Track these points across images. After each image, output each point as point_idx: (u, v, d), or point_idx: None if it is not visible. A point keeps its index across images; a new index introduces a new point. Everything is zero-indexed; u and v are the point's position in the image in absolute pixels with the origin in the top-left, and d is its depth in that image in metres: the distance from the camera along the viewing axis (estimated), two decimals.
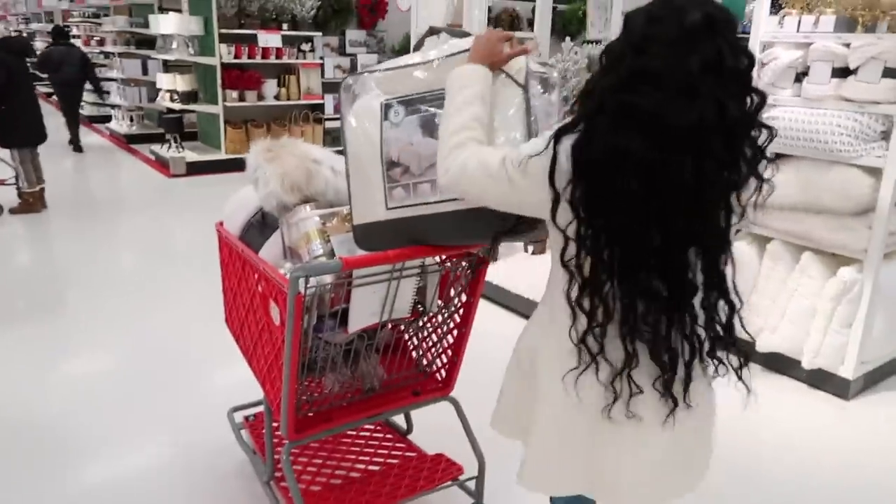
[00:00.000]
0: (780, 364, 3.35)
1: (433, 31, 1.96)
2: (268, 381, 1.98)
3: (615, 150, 1.14)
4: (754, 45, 3.29)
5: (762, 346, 3.36)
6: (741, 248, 3.42)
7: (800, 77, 3.17)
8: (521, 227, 1.49)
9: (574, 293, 1.26)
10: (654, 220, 1.15)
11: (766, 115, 2.96)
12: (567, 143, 1.21)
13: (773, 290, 3.36)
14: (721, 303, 1.26)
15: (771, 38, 3.23)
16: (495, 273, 3.99)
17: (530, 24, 9.99)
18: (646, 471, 1.36)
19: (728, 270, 1.25)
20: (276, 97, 7.96)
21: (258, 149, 2.05)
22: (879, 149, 2.95)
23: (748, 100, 1.18)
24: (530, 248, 4.36)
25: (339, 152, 1.86)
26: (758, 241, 3.45)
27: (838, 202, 3.05)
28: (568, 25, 8.18)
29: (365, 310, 1.85)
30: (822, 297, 3.14)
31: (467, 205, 1.50)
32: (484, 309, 2.25)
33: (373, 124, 1.66)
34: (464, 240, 1.72)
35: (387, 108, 1.64)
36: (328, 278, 1.73)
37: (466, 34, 1.68)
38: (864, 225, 3.02)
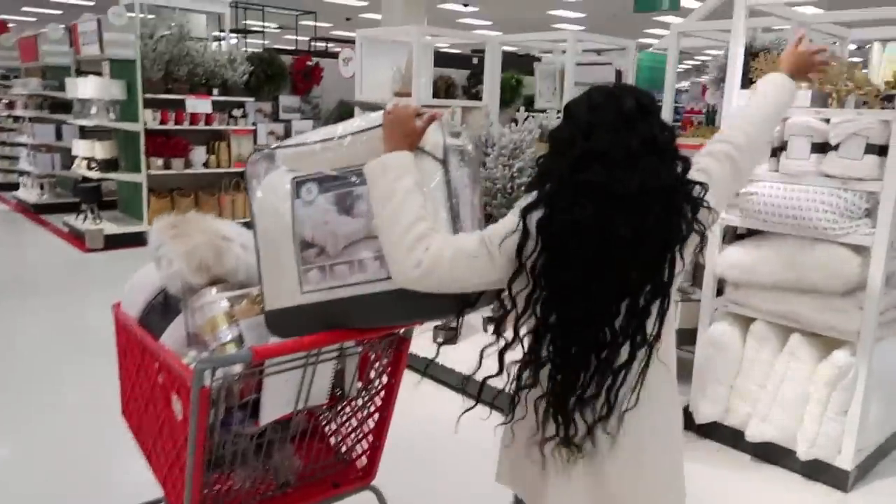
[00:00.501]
0: (773, 454, 3.12)
1: (343, 105, 1.99)
2: (168, 481, 1.80)
3: (574, 223, 1.30)
4: (725, 119, 3.18)
5: (753, 435, 3.13)
6: (722, 330, 3.22)
7: (776, 152, 3.07)
8: (480, 301, 1.52)
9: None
10: (603, 276, 1.31)
11: (744, 191, 2.80)
12: (534, 218, 1.36)
13: (760, 374, 3.16)
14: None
15: None
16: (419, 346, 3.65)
17: (465, 91, 10.05)
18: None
19: (670, 317, 1.42)
20: (205, 164, 7.51)
21: (162, 225, 1.93)
22: (865, 226, 2.84)
23: (677, 166, 1.36)
24: (440, 339, 4.10)
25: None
26: (740, 322, 3.26)
27: (826, 281, 2.90)
28: (502, 94, 8.21)
29: (278, 399, 1.74)
30: (815, 383, 2.96)
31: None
32: (408, 382, 2.09)
33: (284, 202, 1.60)
34: (395, 321, 1.70)
35: (299, 185, 1.60)
36: (237, 368, 1.62)
37: (377, 107, 1.70)
38: (854, 305, 2.88)
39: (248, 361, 1.57)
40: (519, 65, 10.65)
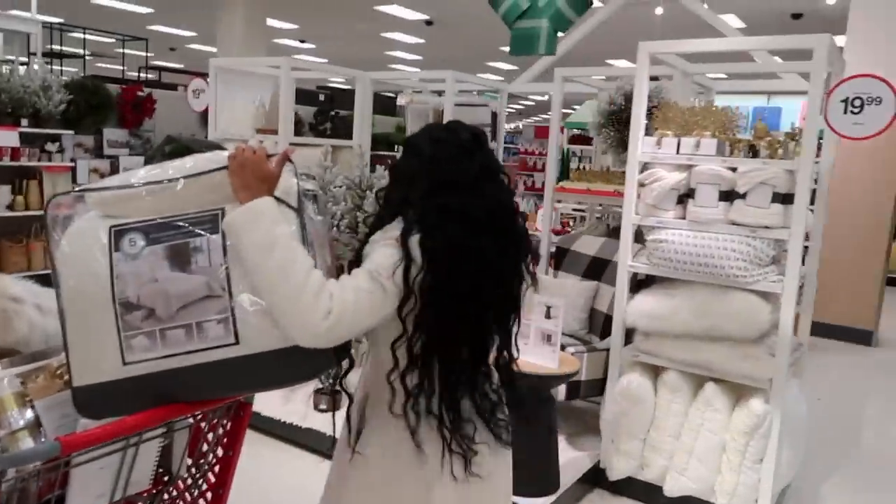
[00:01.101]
0: None
1: (171, 141, 1.81)
2: None
3: (449, 240, 1.40)
4: (633, 166, 3.13)
5: (671, 489, 3.03)
6: (636, 382, 3.12)
7: (682, 199, 3.06)
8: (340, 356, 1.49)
9: (397, 374, 1.44)
10: (483, 289, 1.44)
11: (653, 238, 2.72)
12: (414, 240, 1.40)
13: (674, 425, 3.08)
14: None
15: (650, 159, 3.10)
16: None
17: (312, 128, 9.62)
18: None
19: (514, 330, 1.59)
20: (10, 206, 6.34)
21: None
22: (772, 273, 2.88)
23: (507, 188, 1.52)
24: (322, 405, 3.71)
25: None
26: (650, 372, 3.18)
27: (741, 329, 2.90)
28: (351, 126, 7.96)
29: (89, 493, 1.45)
30: (731, 432, 2.92)
31: (267, 347, 1.36)
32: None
33: (99, 255, 1.39)
34: (242, 390, 1.53)
35: (119, 235, 1.40)
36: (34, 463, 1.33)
37: (214, 146, 1.58)
38: (765, 352, 2.90)
39: (54, 456, 1.28)
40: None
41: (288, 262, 1.31)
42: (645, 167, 3.13)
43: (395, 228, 1.44)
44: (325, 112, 7.73)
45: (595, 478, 3.28)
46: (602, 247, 3.94)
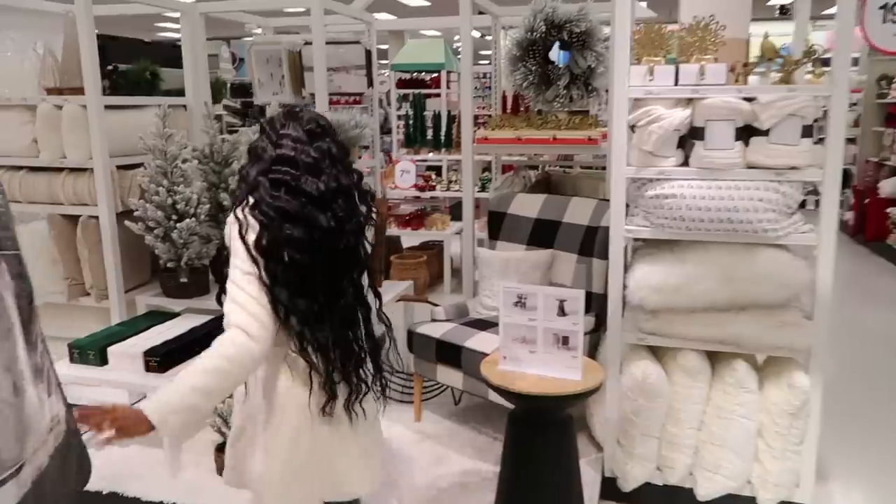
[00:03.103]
0: None
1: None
2: None
3: (278, 208, 1.58)
4: (621, 104, 2.47)
5: (707, 491, 2.55)
6: (651, 372, 2.54)
7: (683, 141, 2.47)
8: None
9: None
10: (317, 259, 1.62)
11: (653, 194, 2.16)
12: (246, 210, 1.59)
13: (695, 414, 2.57)
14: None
15: (643, 94, 2.45)
16: None
17: None
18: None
19: (371, 297, 1.78)
20: None
21: None
22: (800, 223, 2.42)
23: (353, 175, 1.72)
24: None
25: None
26: (661, 355, 2.63)
27: (772, 294, 2.42)
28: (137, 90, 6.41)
29: None
30: (770, 414, 2.47)
31: None
32: None
33: None
34: None
35: None
36: None
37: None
38: (797, 317, 2.46)
39: None
40: (148, 53, 8.69)
41: (205, 388, 1.49)
42: (637, 106, 2.48)
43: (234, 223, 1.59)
44: (101, 66, 6.08)
45: (605, 491, 2.70)
46: (544, 206, 3.28)
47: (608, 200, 3.16)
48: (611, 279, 2.61)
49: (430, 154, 6.40)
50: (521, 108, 5.89)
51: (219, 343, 1.50)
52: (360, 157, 4.22)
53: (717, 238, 2.44)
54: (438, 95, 8.77)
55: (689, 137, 2.46)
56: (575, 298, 2.18)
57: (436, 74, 8.99)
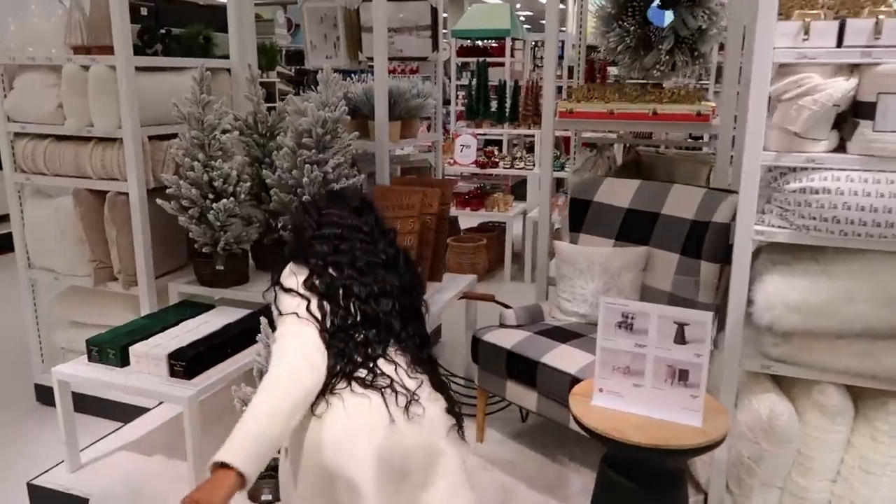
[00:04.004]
0: None
1: None
2: None
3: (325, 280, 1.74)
4: (762, 70, 1.92)
5: None
6: (782, 412, 2.03)
7: (840, 123, 1.92)
8: None
9: None
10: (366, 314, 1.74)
11: (797, 186, 1.62)
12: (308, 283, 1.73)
13: (832, 463, 2.06)
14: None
15: (794, 58, 1.90)
16: None
17: (137, 51, 7.47)
18: None
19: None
20: None
21: None
22: None
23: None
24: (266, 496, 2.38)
25: None
26: (789, 388, 2.12)
27: None
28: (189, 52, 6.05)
29: None
30: None
31: None
32: None
33: None
34: None
35: None
36: None
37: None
38: None
39: None
40: (203, 17, 8.38)
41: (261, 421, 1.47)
42: (784, 74, 1.93)
43: (290, 276, 1.76)
44: (153, 30, 5.75)
45: None
46: (639, 194, 2.75)
47: (719, 190, 2.64)
48: (732, 291, 2.09)
49: (492, 128, 5.90)
50: (598, 78, 5.32)
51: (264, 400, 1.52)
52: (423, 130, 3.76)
53: (882, 247, 1.89)
54: (502, 65, 8.20)
55: (852, 115, 1.90)
56: (701, 323, 1.69)
57: (496, 43, 8.42)
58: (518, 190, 6.02)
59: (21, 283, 3.21)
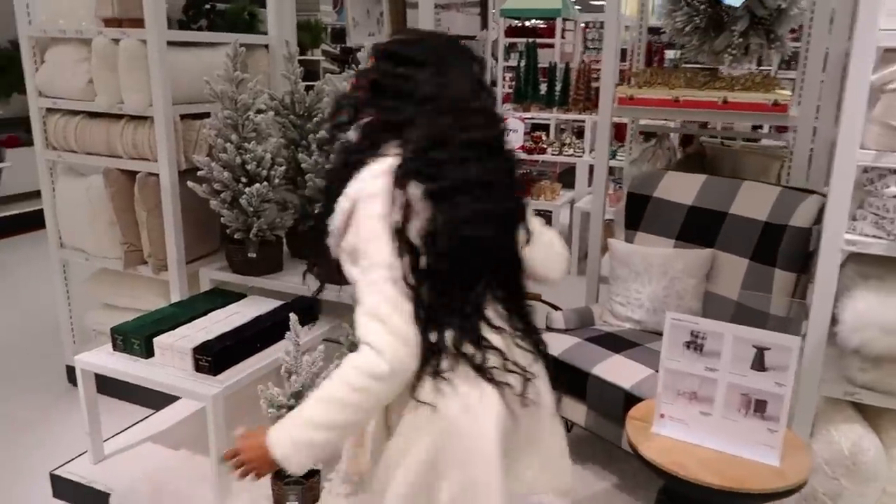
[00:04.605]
0: None
1: None
2: None
3: (467, 182, 1.20)
4: (865, 55, 1.67)
5: None
6: (854, 440, 1.80)
7: None
8: None
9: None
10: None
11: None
12: (415, 190, 1.19)
13: None
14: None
15: None
16: None
17: (181, 26, 7.41)
18: None
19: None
20: None
21: None
22: None
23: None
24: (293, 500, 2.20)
25: None
26: (873, 418, 1.88)
27: None
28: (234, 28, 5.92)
29: None
30: None
31: None
32: None
33: None
34: None
35: None
36: None
37: None
38: None
39: None
40: None
41: (332, 420, 1.21)
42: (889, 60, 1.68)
43: (373, 193, 1.19)
44: (198, 5, 5.65)
45: None
46: (704, 190, 2.51)
47: (796, 189, 2.39)
48: (814, 307, 1.86)
49: (540, 112, 5.64)
50: (654, 62, 5.02)
51: (342, 380, 1.22)
52: None
53: None
54: (551, 46, 7.89)
55: None
56: (785, 349, 1.46)
57: (545, 24, 8.09)
58: (566, 177, 5.77)
59: (52, 264, 3.13)
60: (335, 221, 1.26)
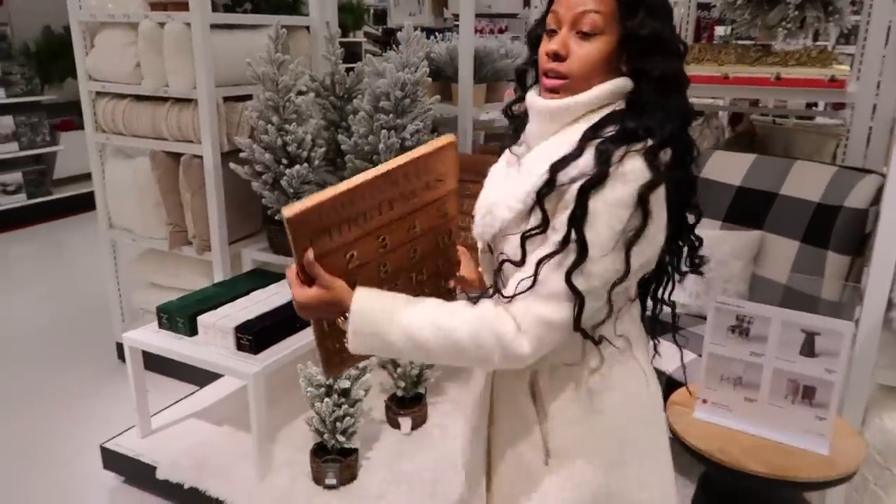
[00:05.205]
0: None
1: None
2: None
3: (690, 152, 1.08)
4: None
5: None
6: (893, 427, 1.72)
7: None
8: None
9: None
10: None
11: None
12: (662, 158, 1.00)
13: None
14: None
15: None
16: None
17: (226, 9, 7.51)
18: None
19: None
20: None
21: None
22: None
23: None
24: (331, 478, 2.20)
25: None
26: None
27: None
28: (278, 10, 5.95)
29: None
30: None
31: None
32: None
33: None
34: None
35: None
36: None
37: None
38: None
39: None
40: None
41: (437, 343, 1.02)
42: None
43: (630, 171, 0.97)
44: None
45: None
46: (753, 170, 2.42)
47: (853, 169, 2.28)
48: (870, 291, 1.77)
49: None
50: (703, 39, 4.86)
51: (484, 324, 1.00)
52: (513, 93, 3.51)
53: None
54: None
55: None
56: (837, 334, 1.40)
57: None
58: None
59: (102, 243, 3.22)
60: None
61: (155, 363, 2.66)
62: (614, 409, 1.11)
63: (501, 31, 4.24)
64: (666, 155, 1.01)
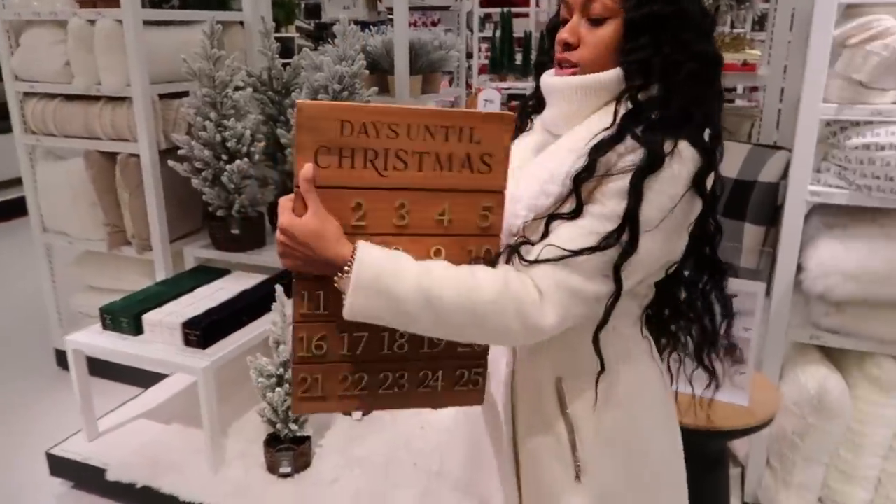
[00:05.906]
0: None
1: None
2: None
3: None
4: (825, 11, 1.72)
5: None
6: (833, 386, 1.89)
7: None
8: None
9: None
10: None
11: (862, 142, 1.43)
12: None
13: (882, 440, 1.92)
14: None
15: None
16: None
17: (152, 4, 7.30)
18: None
19: None
20: None
21: None
22: None
23: None
24: (285, 467, 2.25)
25: None
26: (838, 360, 1.97)
27: None
28: (206, 4, 5.84)
29: None
30: None
31: None
32: None
33: None
34: None
35: None
36: None
37: None
38: None
39: None
40: None
41: (444, 317, 0.90)
42: (850, 15, 1.73)
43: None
44: None
45: None
46: (748, 160, 2.51)
47: (765, 146, 2.45)
48: (781, 257, 1.93)
49: (516, 81, 5.67)
50: None
51: (509, 292, 0.91)
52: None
53: None
54: (526, 16, 7.88)
55: None
56: (751, 294, 1.54)
57: None
58: None
59: (36, 248, 3.14)
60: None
61: (98, 368, 2.62)
62: (643, 410, 1.14)
63: (434, 24, 4.31)
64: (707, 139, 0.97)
